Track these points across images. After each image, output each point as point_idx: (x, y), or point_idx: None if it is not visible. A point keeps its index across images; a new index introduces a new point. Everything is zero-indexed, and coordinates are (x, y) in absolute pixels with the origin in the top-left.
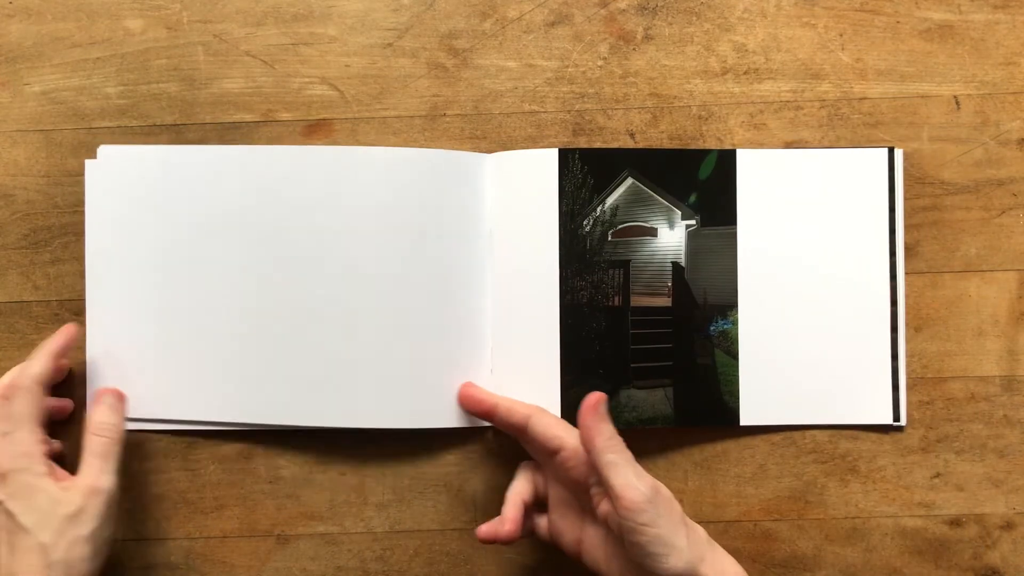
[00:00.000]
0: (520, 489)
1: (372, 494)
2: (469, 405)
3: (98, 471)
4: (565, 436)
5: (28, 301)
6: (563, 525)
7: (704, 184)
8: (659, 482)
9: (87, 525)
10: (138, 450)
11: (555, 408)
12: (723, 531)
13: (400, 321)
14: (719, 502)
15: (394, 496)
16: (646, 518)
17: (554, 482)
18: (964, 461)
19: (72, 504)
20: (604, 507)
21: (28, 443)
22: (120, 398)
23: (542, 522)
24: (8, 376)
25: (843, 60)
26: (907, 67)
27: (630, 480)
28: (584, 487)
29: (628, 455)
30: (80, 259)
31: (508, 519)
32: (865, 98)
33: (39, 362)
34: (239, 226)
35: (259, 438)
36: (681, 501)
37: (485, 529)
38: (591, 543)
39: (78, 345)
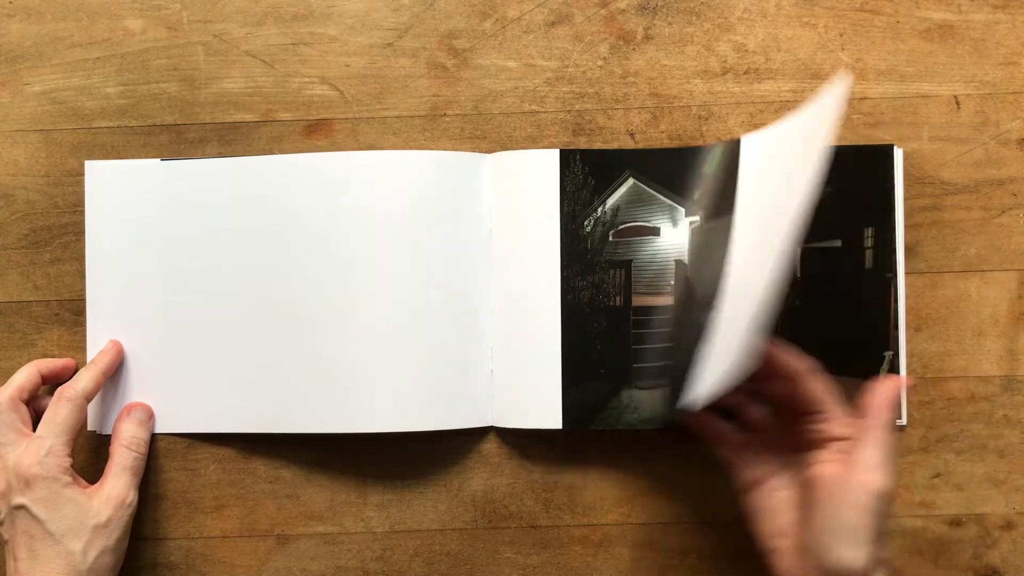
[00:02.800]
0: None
1: (372, 494)
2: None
3: (127, 485)
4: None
5: (28, 301)
6: (752, 459)
7: (706, 182)
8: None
9: (114, 535)
10: None
11: (556, 410)
12: (723, 531)
13: (401, 323)
14: (719, 502)
15: (394, 496)
16: (873, 504)
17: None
18: (964, 461)
19: (102, 515)
20: (827, 470)
21: (59, 453)
22: (150, 414)
23: (735, 438)
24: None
25: (843, 60)
26: (907, 67)
27: (883, 466)
28: (806, 446)
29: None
30: (80, 259)
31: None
32: (865, 98)
33: (90, 380)
34: (237, 231)
35: (259, 438)
36: (681, 501)
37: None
38: (775, 497)
39: (78, 346)
